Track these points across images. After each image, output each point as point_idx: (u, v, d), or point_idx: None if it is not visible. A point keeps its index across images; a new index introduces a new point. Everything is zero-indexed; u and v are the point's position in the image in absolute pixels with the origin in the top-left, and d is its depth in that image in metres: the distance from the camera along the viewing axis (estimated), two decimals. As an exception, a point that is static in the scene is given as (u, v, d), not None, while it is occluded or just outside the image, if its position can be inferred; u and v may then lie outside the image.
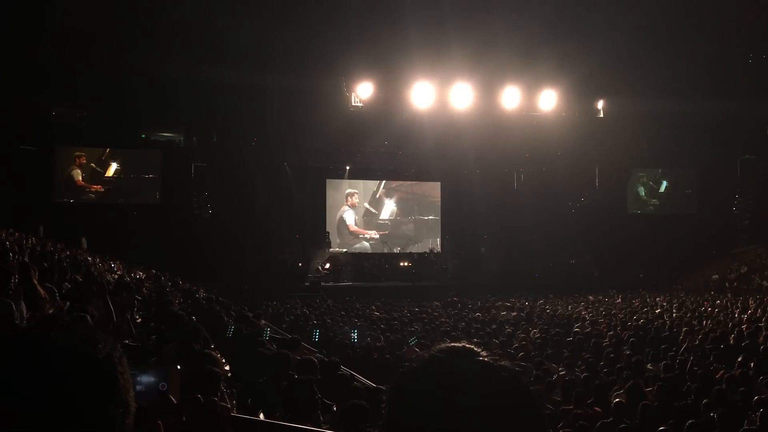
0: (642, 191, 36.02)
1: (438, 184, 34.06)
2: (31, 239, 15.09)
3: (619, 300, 21.91)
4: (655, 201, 35.99)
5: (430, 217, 34.24)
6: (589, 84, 29.39)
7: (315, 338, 7.42)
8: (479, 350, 0.93)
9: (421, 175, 33.56)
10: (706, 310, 17.39)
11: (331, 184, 33.04)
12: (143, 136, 30.86)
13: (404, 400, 0.89)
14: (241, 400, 5.55)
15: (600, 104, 31.49)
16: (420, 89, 28.20)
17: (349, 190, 33.19)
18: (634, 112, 29.61)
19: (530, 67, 27.71)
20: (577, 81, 28.60)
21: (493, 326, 14.81)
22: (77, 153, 29.31)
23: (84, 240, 22.55)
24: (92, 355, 0.86)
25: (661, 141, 32.41)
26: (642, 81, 28.88)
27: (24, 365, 0.82)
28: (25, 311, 5.21)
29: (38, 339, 0.86)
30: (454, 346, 0.94)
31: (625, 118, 30.20)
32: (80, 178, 29.25)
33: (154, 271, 22.07)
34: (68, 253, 15.14)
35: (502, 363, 0.91)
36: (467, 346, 0.94)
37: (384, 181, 33.76)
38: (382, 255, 31.75)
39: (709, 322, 14.54)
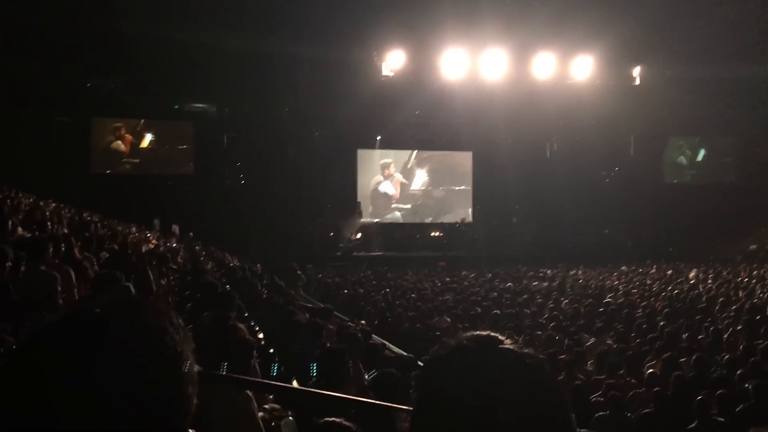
0: (681, 160, 35.32)
1: (470, 154, 33.80)
2: (70, 210, 15.40)
3: (653, 270, 21.66)
4: (692, 171, 35.29)
5: (462, 187, 34.08)
6: (625, 50, 28.69)
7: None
8: (504, 338, 0.95)
9: (452, 144, 33.32)
10: (742, 280, 17.13)
11: (362, 154, 33.02)
12: (176, 106, 31.11)
13: (431, 389, 0.92)
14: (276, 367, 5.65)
15: (636, 71, 30.76)
16: (451, 57, 27.86)
17: (384, 161, 33.17)
18: (671, 79, 28.89)
19: (565, 32, 27.13)
20: (613, 47, 27.92)
21: (525, 296, 14.78)
22: (116, 124, 29.73)
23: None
24: (160, 350, 0.84)
25: (699, 108, 31.58)
26: (680, 46, 28.08)
27: (96, 351, 0.80)
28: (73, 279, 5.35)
29: (99, 325, 0.84)
30: (480, 334, 0.95)
31: (663, 85, 29.48)
32: (126, 147, 29.75)
33: (191, 234, 22.56)
34: (105, 223, 15.43)
35: (527, 351, 0.93)
36: (492, 334, 0.96)
37: (415, 152, 33.63)
38: (413, 225, 31.76)
39: (745, 292, 14.32)
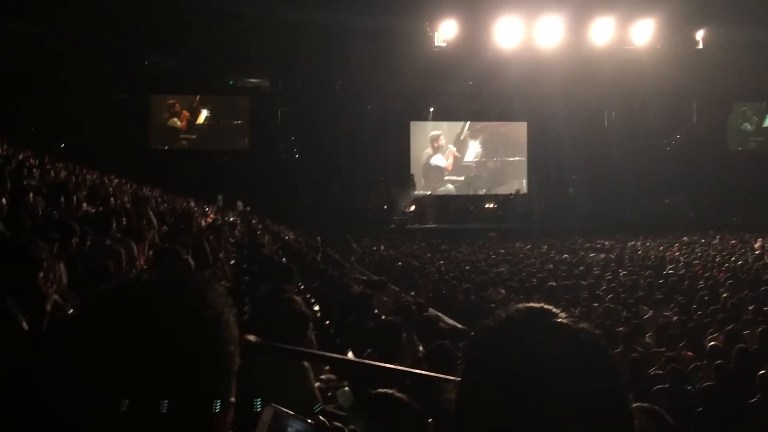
0: (747, 126, 34.01)
1: (524, 124, 33.24)
2: (131, 185, 15.86)
3: (716, 241, 21.03)
4: (759, 138, 33.94)
5: (516, 158, 33.61)
6: (687, 12, 27.61)
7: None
8: (558, 311, 0.91)
9: (506, 115, 32.81)
10: (812, 251, 16.49)
11: (415, 126, 32.85)
12: (231, 82, 31.52)
13: (479, 360, 0.89)
14: (331, 339, 5.75)
15: (699, 34, 29.61)
16: (505, 25, 27.33)
17: (433, 133, 32.93)
18: (736, 42, 27.70)
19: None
20: (675, 10, 26.92)
21: (581, 268, 14.57)
22: (171, 101, 30.36)
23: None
24: (201, 310, 0.94)
25: (765, 72, 30.23)
26: (745, 8, 26.85)
27: (130, 318, 0.91)
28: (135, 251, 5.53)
29: (149, 291, 0.95)
30: (532, 306, 0.92)
31: (727, 49, 28.31)
32: (183, 124, 30.40)
33: (247, 208, 22.99)
34: (165, 198, 15.84)
35: (582, 325, 0.89)
36: (545, 306, 0.91)
37: (468, 123, 33.27)
38: (466, 197, 31.56)
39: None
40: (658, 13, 27.53)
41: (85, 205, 7.44)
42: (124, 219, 6.24)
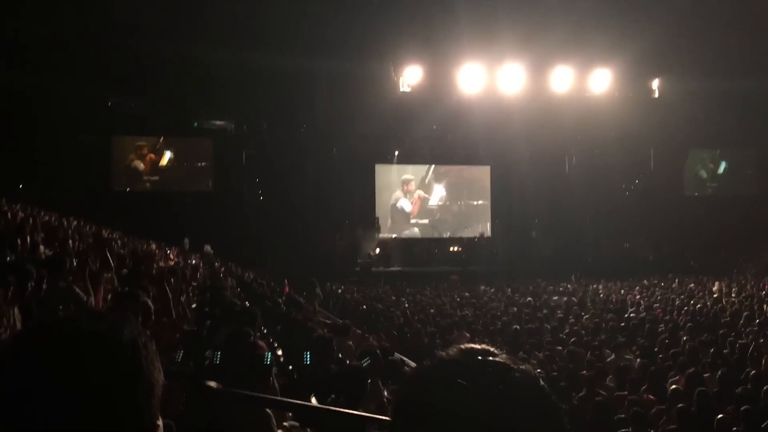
0: (702, 173, 35.00)
1: (487, 168, 33.73)
2: (91, 227, 15.56)
3: (676, 284, 21.40)
4: (714, 184, 34.94)
5: (480, 202, 33.99)
6: (643, 63, 28.55)
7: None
8: (497, 352, 0.89)
9: (470, 159, 33.28)
10: (767, 294, 16.86)
11: (380, 169, 33.09)
12: (195, 124, 31.43)
13: (409, 402, 0.86)
14: (294, 385, 5.64)
15: (655, 83, 30.60)
16: (469, 71, 27.89)
17: (405, 177, 33.22)
18: (690, 91, 28.67)
19: (582, 46, 27.10)
20: (631, 60, 27.80)
21: (545, 311, 14.65)
22: (139, 143, 30.08)
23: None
24: (118, 338, 0.96)
25: (719, 120, 31.31)
26: (698, 58, 27.91)
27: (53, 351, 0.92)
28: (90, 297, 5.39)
29: (68, 325, 0.97)
30: (472, 347, 0.90)
31: (682, 98, 29.27)
32: (146, 167, 30.09)
33: (210, 250, 22.69)
34: (126, 240, 15.57)
35: (520, 366, 0.87)
36: (484, 347, 0.90)
37: (433, 166, 33.64)
38: (431, 240, 31.70)
39: (770, 306, 14.08)
40: (614, 63, 28.40)
41: (42, 247, 7.28)
42: (74, 261, 6.10)
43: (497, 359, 0.87)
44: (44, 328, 0.97)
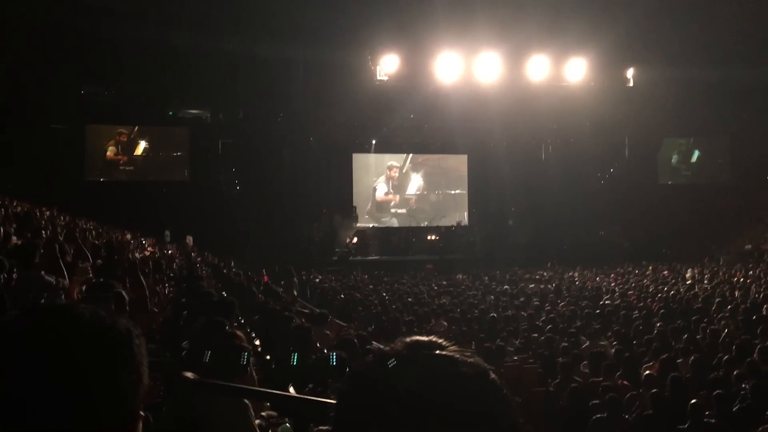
0: (674, 160, 35.43)
1: (465, 158, 33.85)
2: (66, 217, 15.35)
3: (650, 271, 21.69)
4: (687, 172, 35.39)
5: (457, 191, 34.10)
6: (618, 52, 28.79)
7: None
8: (444, 344, 0.86)
9: (447, 148, 33.36)
10: (738, 280, 17.15)
11: (357, 158, 33.04)
12: (170, 113, 31.07)
13: (350, 401, 0.83)
14: (272, 374, 5.63)
15: (630, 72, 30.86)
16: (446, 60, 27.89)
17: (390, 163, 33.23)
18: (664, 80, 28.98)
19: (558, 35, 27.22)
20: (606, 49, 28.02)
21: (521, 299, 14.77)
22: (119, 130, 29.64)
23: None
24: (113, 326, 0.98)
25: (692, 109, 31.69)
26: (672, 48, 28.20)
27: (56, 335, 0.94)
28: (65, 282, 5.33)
29: (69, 312, 0.99)
30: (417, 339, 0.87)
31: (656, 87, 29.57)
32: (121, 156, 29.65)
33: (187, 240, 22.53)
34: (101, 231, 15.39)
35: (471, 359, 0.84)
36: (430, 339, 0.87)
37: (410, 156, 33.66)
38: (409, 229, 31.76)
39: (740, 292, 14.33)
40: (589, 53, 28.57)
41: (14, 238, 7.17)
42: (47, 250, 6.01)
43: (444, 352, 0.84)
44: (44, 313, 0.98)
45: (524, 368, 8.39)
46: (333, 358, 3.90)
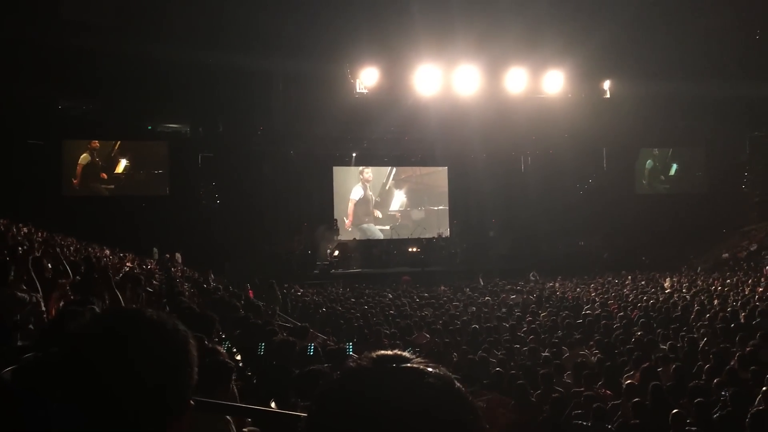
0: (653, 171, 35.85)
1: (445, 170, 34.01)
2: (43, 234, 15.16)
3: (629, 281, 21.86)
4: (665, 184, 35.82)
5: (440, 207, 34.22)
6: (595, 64, 29.13)
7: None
8: (409, 357, 0.88)
9: (427, 160, 33.50)
10: (716, 289, 17.33)
11: (338, 171, 33.05)
12: (149, 127, 30.87)
13: (319, 417, 0.85)
14: (254, 389, 5.59)
15: (606, 85, 31.22)
16: (425, 73, 28.02)
17: (360, 168, 33.33)
18: (641, 92, 29.35)
19: (535, 48, 27.48)
20: (583, 62, 28.35)
21: (503, 310, 14.81)
22: (94, 143, 29.30)
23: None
24: (177, 328, 1.18)
25: (668, 121, 32.16)
26: (648, 61, 28.64)
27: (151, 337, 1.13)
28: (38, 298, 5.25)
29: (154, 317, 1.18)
30: (383, 353, 0.89)
31: (632, 99, 29.94)
32: (84, 162, 29.20)
33: (167, 255, 22.32)
34: (78, 246, 15.21)
35: (436, 371, 0.86)
36: (396, 353, 0.89)
37: (393, 172, 33.75)
38: (390, 241, 31.79)
39: (719, 300, 14.48)
40: (566, 65, 28.85)
41: (-10, 254, 7.05)
42: (23, 267, 5.91)
43: (409, 365, 0.86)
44: (117, 316, 1.18)
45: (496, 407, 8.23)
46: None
